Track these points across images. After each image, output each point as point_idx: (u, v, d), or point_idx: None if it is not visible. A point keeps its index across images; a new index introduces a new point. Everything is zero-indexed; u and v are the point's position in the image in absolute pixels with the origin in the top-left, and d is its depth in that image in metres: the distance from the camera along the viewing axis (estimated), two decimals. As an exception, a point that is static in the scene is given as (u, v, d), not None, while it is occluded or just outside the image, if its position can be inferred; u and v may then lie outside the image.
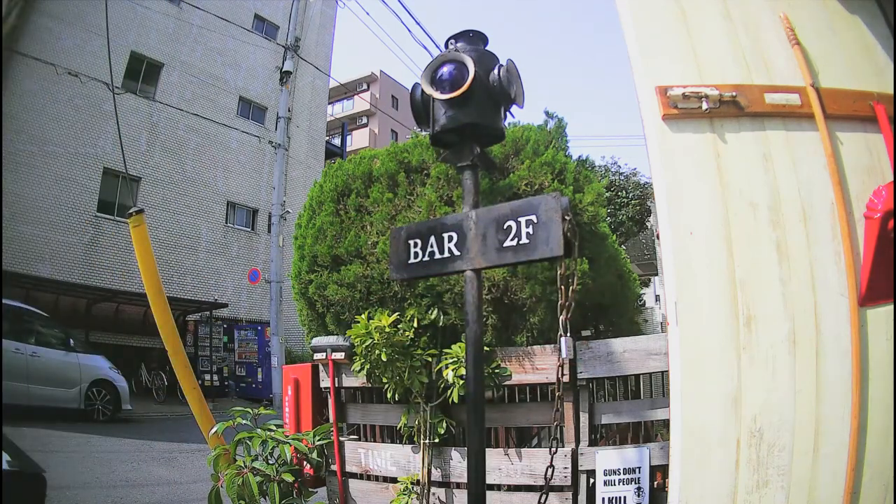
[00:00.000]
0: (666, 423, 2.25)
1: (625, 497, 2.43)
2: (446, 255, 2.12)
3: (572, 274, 2.07)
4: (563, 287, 2.05)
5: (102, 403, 8.87)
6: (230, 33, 16.45)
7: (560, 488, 2.49)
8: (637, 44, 1.81)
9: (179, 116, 15.58)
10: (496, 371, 2.61)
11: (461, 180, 2.24)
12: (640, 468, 2.44)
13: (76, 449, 6.48)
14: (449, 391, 2.60)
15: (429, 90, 2.11)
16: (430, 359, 2.73)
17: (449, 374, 2.57)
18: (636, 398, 2.83)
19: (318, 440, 2.91)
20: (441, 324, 2.78)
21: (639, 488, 2.43)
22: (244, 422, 2.88)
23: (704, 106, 1.69)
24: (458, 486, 2.72)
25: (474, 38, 2.21)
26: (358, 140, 31.82)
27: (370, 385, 2.89)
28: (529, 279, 2.67)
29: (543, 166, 2.81)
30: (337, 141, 24.45)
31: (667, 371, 1.84)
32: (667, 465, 2.00)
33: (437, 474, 2.76)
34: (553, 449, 2.19)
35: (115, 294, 12.74)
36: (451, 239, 2.12)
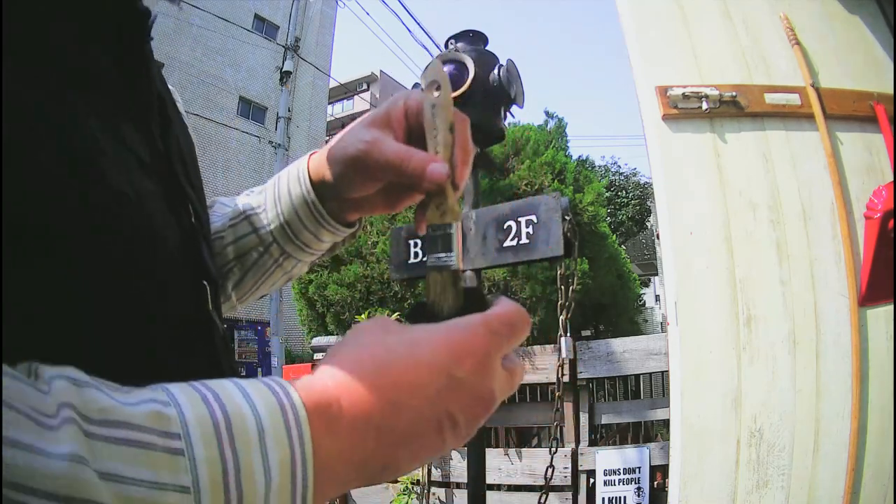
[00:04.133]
0: (666, 423, 2.25)
1: (625, 497, 2.43)
2: (446, 254, 2.12)
3: (572, 274, 2.07)
4: (563, 287, 2.05)
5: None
6: (230, 33, 16.45)
7: (560, 488, 2.49)
8: (637, 44, 1.81)
9: (179, 116, 15.58)
10: (496, 371, 2.61)
11: (461, 180, 2.24)
12: (640, 468, 2.44)
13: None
14: (449, 391, 2.61)
15: (429, 90, 2.11)
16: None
17: (449, 374, 2.58)
18: (636, 398, 2.83)
19: (318, 440, 2.91)
20: (441, 324, 2.78)
21: (639, 488, 2.43)
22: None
23: (704, 106, 1.69)
24: (458, 486, 2.72)
25: (474, 38, 2.20)
26: (358, 140, 31.62)
27: (370, 385, 2.89)
28: (529, 279, 2.67)
29: (543, 166, 2.81)
30: (337, 141, 24.37)
31: (667, 371, 1.84)
32: (667, 465, 2.00)
33: (437, 474, 2.75)
34: (553, 449, 2.19)
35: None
36: (451, 239, 2.12)
